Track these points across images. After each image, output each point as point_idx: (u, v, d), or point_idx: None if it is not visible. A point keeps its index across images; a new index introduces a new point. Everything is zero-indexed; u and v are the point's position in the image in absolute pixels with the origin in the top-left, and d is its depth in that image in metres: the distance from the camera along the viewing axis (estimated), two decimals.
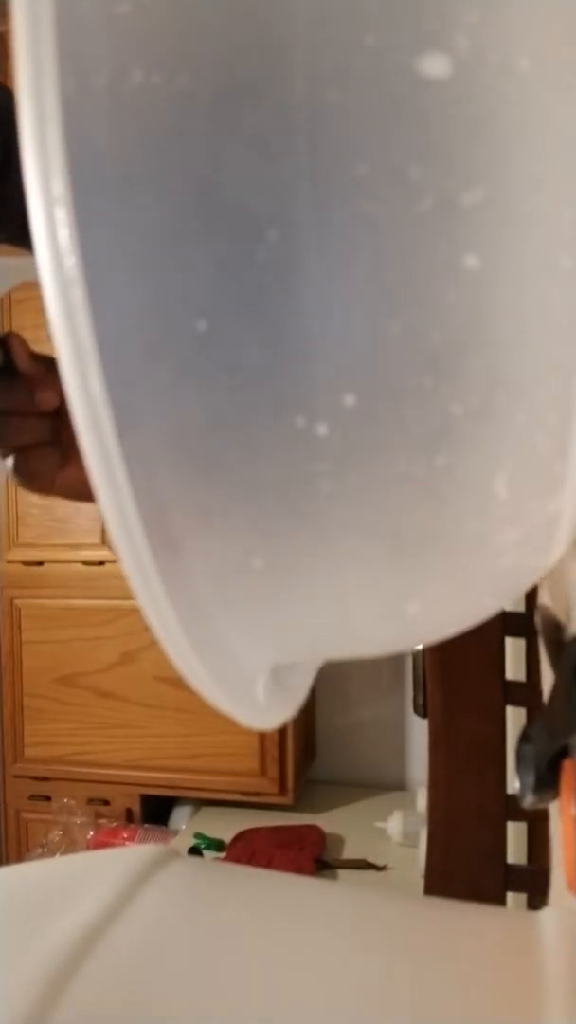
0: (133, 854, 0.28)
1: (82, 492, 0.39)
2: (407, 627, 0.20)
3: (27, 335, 0.40)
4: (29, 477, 0.40)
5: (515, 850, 0.74)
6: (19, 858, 1.69)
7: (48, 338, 0.14)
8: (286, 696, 0.24)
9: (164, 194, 0.14)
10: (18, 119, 0.14)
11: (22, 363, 0.39)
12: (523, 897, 0.67)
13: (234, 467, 0.16)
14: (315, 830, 1.44)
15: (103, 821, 1.61)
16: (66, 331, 0.14)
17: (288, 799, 1.56)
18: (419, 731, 1.67)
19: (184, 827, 1.59)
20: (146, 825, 1.62)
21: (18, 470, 0.40)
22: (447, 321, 0.15)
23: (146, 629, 0.19)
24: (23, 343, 0.39)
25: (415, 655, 0.99)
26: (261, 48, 0.14)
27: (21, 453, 0.40)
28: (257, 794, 1.56)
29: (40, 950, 0.23)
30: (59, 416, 0.40)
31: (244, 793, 1.57)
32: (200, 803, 1.65)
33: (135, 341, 0.15)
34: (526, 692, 0.60)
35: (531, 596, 0.59)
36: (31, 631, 1.68)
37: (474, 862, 0.58)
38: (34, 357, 0.39)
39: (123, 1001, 0.22)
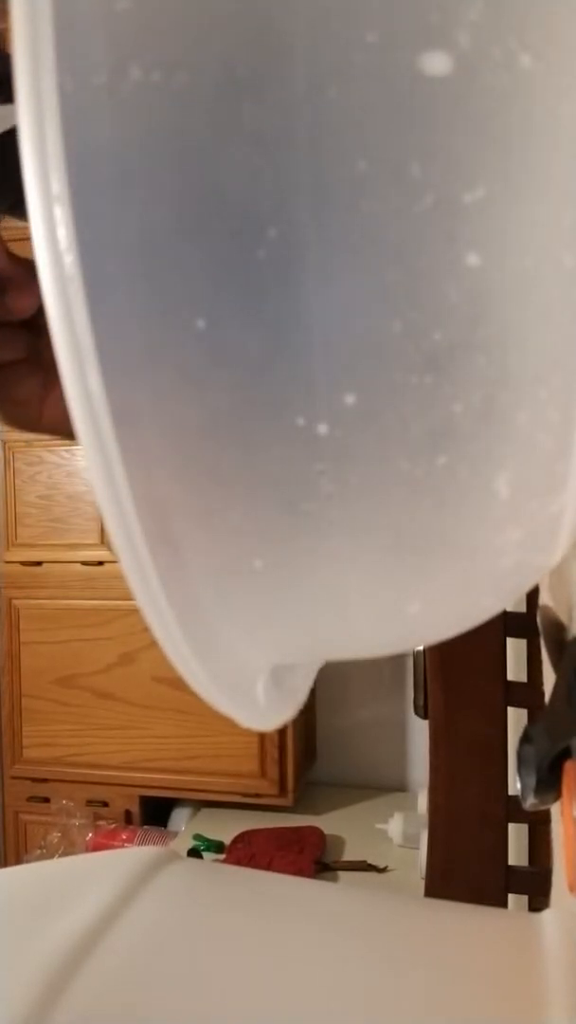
0: (132, 856, 0.28)
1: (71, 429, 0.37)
2: (408, 627, 0.20)
3: None
4: (14, 405, 0.37)
5: (516, 852, 0.73)
6: (18, 860, 1.69)
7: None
8: (286, 697, 0.23)
9: (163, 192, 0.14)
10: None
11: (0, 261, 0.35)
12: (524, 899, 0.67)
13: (233, 466, 0.16)
14: (315, 832, 1.44)
15: (102, 823, 1.61)
16: (65, 329, 0.14)
17: (288, 800, 1.55)
18: (420, 732, 1.67)
19: (183, 828, 1.58)
20: (145, 827, 1.62)
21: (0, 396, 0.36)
22: (448, 319, 0.15)
23: (145, 629, 0.19)
24: (1, 241, 0.35)
25: (416, 656, 0.99)
26: (261, 45, 0.14)
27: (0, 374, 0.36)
28: (257, 795, 1.56)
29: (40, 951, 0.23)
30: (38, 332, 0.35)
31: (244, 794, 1.56)
32: (200, 804, 1.65)
33: (134, 339, 0.15)
34: (527, 693, 0.60)
35: (532, 596, 0.59)
36: (30, 632, 1.68)
37: (475, 864, 0.58)
38: (13, 259, 0.35)
39: (122, 1002, 0.22)
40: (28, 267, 0.35)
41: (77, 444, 0.37)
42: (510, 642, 0.63)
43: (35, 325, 0.36)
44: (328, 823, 1.50)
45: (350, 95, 0.14)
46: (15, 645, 1.69)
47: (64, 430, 0.35)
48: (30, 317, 0.35)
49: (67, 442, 0.38)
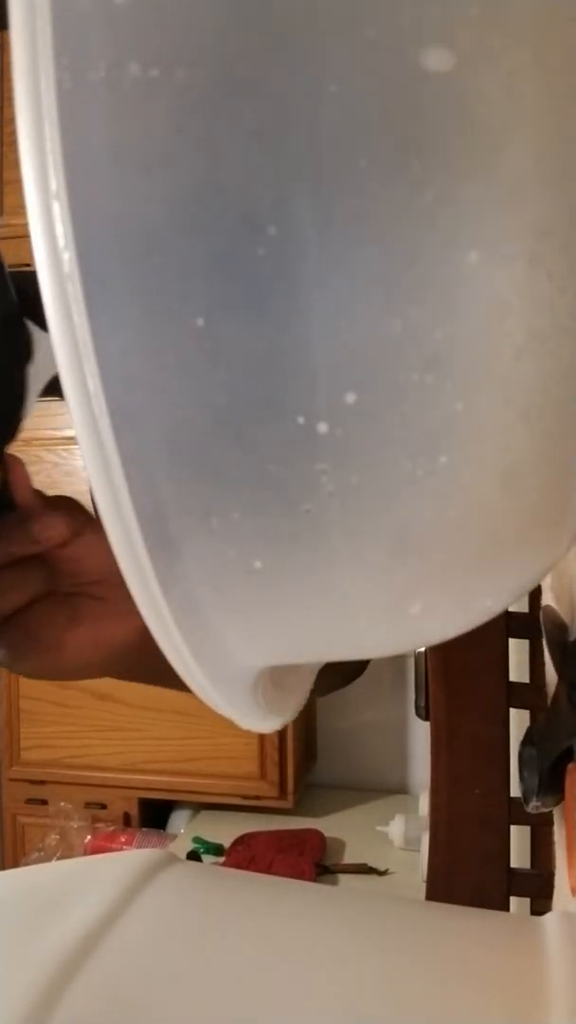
0: (131, 859, 0.28)
1: (103, 664, 0.34)
2: (409, 628, 0.20)
3: None
4: (43, 651, 0.32)
5: (518, 854, 0.73)
6: (15, 862, 1.69)
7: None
8: (286, 698, 0.23)
9: (162, 188, 0.14)
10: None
11: (22, 493, 0.33)
12: (526, 902, 0.67)
13: (233, 466, 0.16)
14: (315, 834, 1.44)
15: (100, 825, 1.61)
16: (63, 327, 0.14)
17: (288, 803, 1.55)
18: (421, 734, 1.66)
19: (183, 831, 1.58)
20: (144, 829, 1.62)
21: (13, 641, 0.32)
22: (449, 318, 0.15)
23: None
24: (24, 474, 0.34)
25: (417, 656, 0.99)
26: (261, 41, 0.14)
27: (16, 617, 0.32)
28: (257, 798, 1.56)
29: (38, 954, 0.23)
30: (52, 564, 0.34)
31: (244, 797, 1.56)
32: (199, 807, 1.65)
33: (133, 338, 0.15)
34: (530, 694, 0.60)
35: (535, 596, 0.59)
36: None
37: (477, 866, 0.57)
38: (36, 491, 0.34)
39: (121, 1005, 0.22)
40: (44, 499, 0.35)
41: (105, 676, 0.35)
42: (512, 643, 0.63)
43: (48, 559, 0.33)
44: (328, 825, 1.49)
45: (350, 91, 0.14)
46: None
47: (94, 666, 0.34)
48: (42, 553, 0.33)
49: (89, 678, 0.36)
